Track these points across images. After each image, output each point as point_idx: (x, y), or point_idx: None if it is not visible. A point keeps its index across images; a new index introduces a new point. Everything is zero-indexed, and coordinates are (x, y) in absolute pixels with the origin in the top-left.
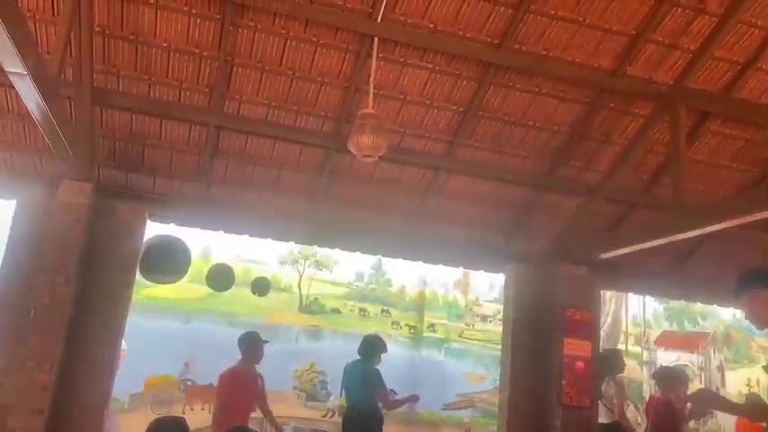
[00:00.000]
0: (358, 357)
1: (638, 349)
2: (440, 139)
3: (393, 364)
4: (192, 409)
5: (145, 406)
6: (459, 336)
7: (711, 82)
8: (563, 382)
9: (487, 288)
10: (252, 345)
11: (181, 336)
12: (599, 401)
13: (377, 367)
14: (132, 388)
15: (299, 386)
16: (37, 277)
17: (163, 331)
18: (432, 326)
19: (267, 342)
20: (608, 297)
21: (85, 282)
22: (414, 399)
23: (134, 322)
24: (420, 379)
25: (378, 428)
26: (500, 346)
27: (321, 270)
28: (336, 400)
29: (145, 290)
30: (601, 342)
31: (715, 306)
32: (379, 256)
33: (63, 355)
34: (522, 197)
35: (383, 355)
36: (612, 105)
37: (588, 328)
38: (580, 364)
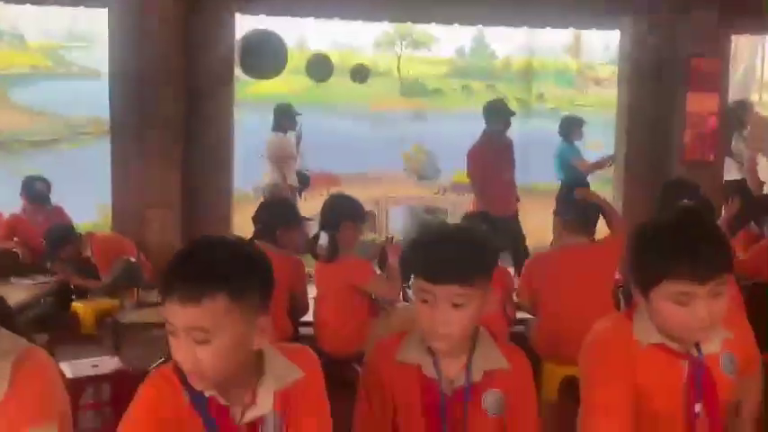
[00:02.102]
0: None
1: None
2: None
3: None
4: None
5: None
6: (572, 104)
7: None
8: (685, 137)
9: (602, 49)
10: (499, 113)
11: None
12: (727, 158)
13: (575, 143)
14: (256, 180)
15: (408, 167)
16: (141, 84)
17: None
18: (541, 96)
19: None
20: (741, 42)
21: (187, 81)
22: (607, 161)
23: (245, 120)
24: (533, 153)
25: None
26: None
27: (419, 49)
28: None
29: (249, 87)
30: (730, 94)
31: None
32: (479, 26)
33: (183, 154)
34: None
35: (582, 129)
36: None
37: (716, 79)
38: (705, 118)
